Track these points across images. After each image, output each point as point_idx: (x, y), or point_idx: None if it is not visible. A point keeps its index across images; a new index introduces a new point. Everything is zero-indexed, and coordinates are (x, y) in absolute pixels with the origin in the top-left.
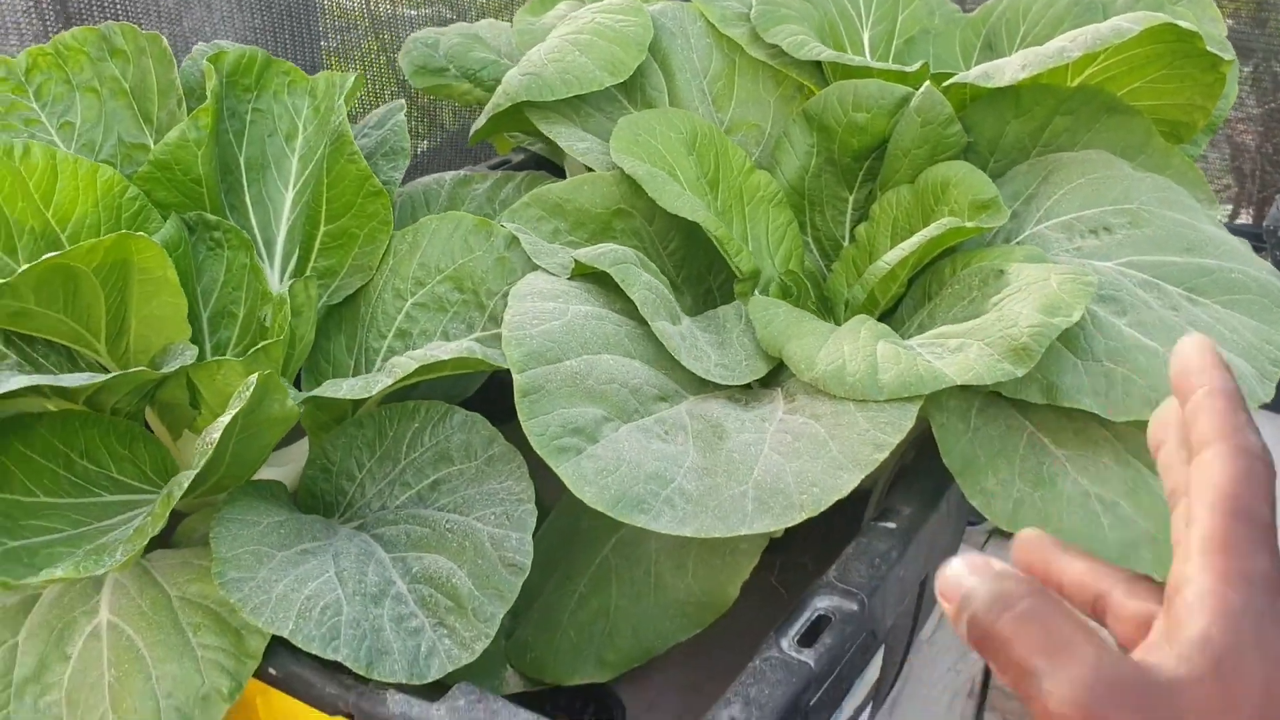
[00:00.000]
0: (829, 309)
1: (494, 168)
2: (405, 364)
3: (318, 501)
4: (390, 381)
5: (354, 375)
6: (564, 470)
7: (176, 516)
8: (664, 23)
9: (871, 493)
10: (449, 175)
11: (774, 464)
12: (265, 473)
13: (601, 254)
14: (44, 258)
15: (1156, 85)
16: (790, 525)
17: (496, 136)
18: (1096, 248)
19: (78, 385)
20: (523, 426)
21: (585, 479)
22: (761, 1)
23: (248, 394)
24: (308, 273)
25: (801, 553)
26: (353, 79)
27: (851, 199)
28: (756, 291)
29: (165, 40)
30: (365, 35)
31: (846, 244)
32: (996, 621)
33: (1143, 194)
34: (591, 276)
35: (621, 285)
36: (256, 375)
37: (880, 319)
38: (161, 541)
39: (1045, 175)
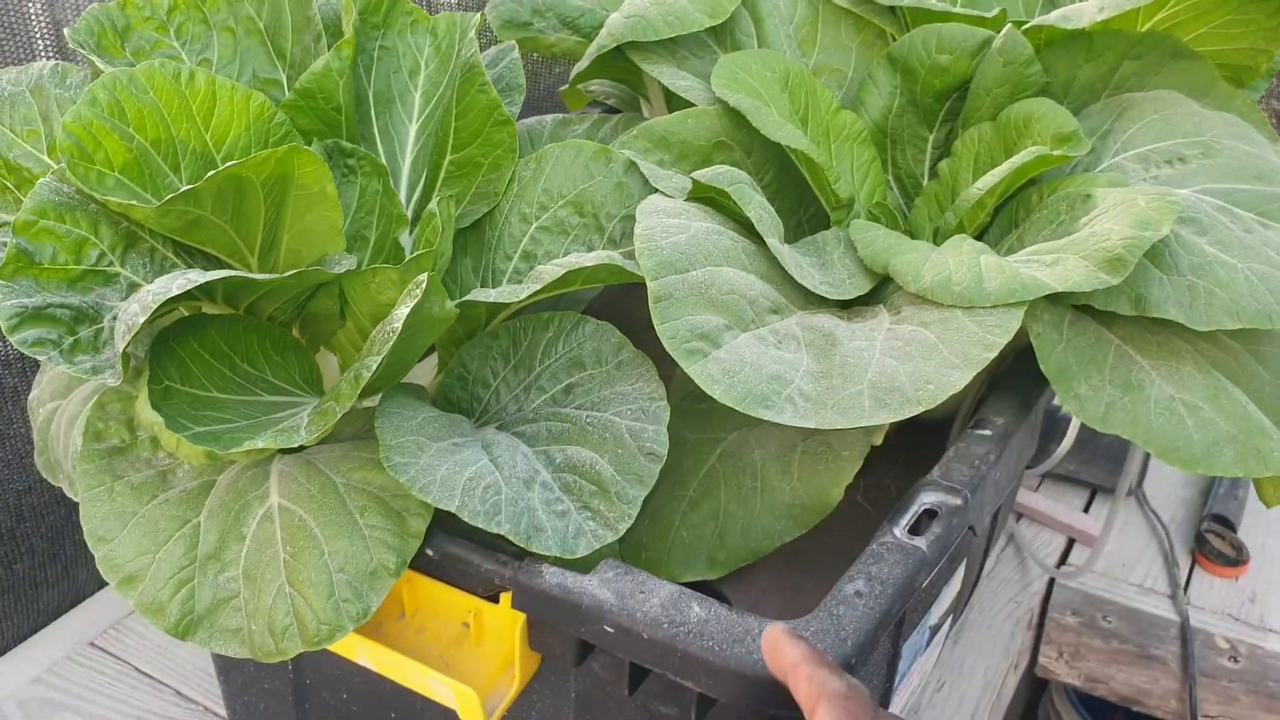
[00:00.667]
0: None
1: None
2: (552, 270)
3: (453, 408)
4: (538, 287)
5: None
6: (694, 370)
7: None
8: None
9: (954, 421)
10: (549, 117)
11: (887, 366)
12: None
13: (719, 174)
14: (223, 166)
15: (1221, 30)
16: (908, 416)
17: (570, 94)
18: (1172, 176)
19: (264, 279)
20: (656, 329)
21: (714, 379)
22: None
23: (419, 291)
24: (434, 199)
25: (884, 475)
26: (478, 17)
27: (932, 138)
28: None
29: None
30: None
31: (927, 181)
32: None
33: (1213, 128)
34: (703, 200)
35: (739, 203)
36: (427, 274)
37: None
38: None
39: (1119, 112)
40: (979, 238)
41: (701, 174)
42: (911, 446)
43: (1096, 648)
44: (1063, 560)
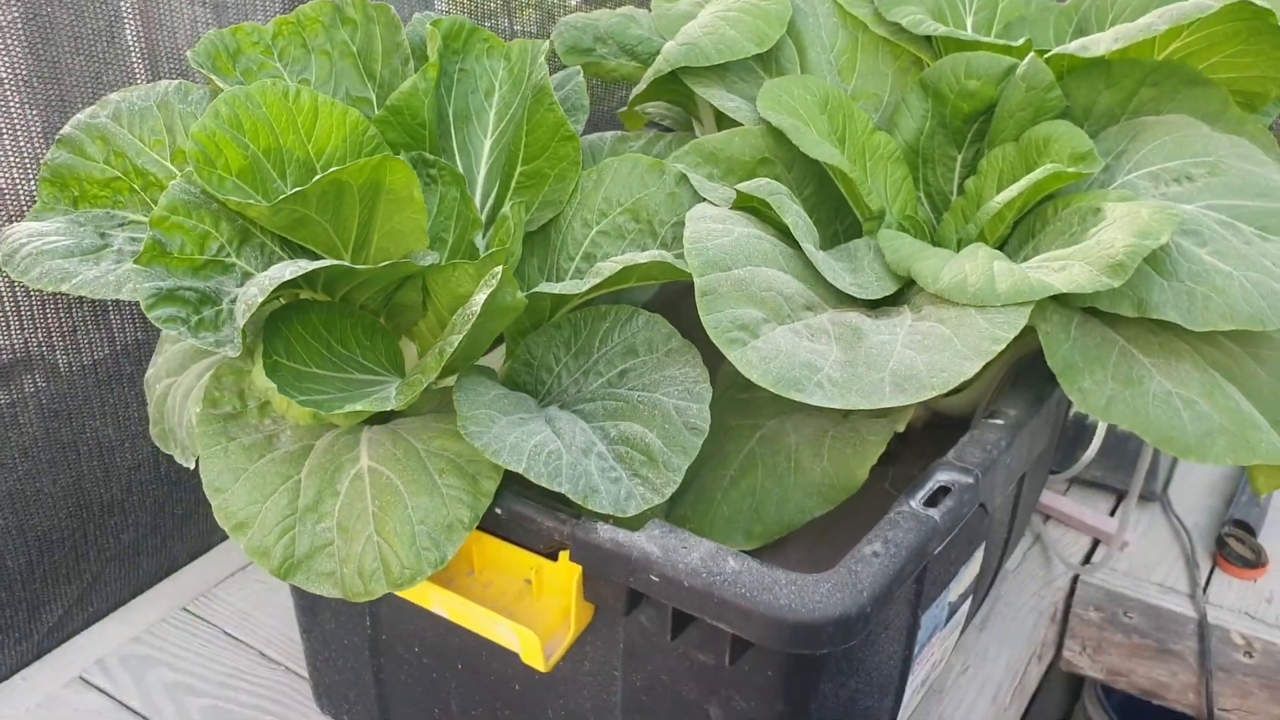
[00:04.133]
0: None
1: None
2: (610, 266)
3: (519, 390)
4: (599, 280)
5: None
6: (734, 356)
7: None
8: (797, 3)
9: (972, 418)
10: (609, 134)
11: (907, 357)
12: None
13: (760, 186)
14: (327, 171)
15: (1233, 60)
16: (924, 399)
17: (629, 115)
18: (1180, 193)
19: (362, 269)
20: (702, 321)
21: (752, 364)
22: None
23: (494, 281)
24: (506, 205)
25: (912, 466)
26: (546, 44)
27: (960, 157)
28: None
29: (393, 9)
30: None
31: (955, 197)
32: None
33: (1221, 149)
34: (746, 209)
35: (777, 211)
36: (502, 266)
37: None
38: (391, 416)
39: (1133, 135)
40: (1000, 248)
41: (745, 185)
42: (937, 440)
43: (1118, 642)
44: (1087, 560)
